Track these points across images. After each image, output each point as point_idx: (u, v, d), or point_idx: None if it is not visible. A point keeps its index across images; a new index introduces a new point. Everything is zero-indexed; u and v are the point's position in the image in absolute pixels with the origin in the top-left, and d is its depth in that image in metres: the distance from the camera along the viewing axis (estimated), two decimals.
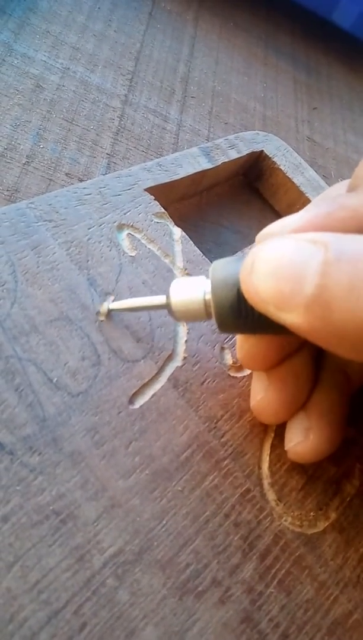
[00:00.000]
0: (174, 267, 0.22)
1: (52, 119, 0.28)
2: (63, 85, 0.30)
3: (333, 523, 0.19)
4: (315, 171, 0.30)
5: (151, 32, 0.37)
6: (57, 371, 0.18)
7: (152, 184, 0.24)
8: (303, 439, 0.18)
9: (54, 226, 0.21)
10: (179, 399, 0.19)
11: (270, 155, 0.29)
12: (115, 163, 0.28)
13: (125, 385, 0.18)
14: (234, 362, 0.21)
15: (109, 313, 0.19)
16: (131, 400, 0.18)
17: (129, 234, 0.22)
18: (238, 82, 0.38)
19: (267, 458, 0.19)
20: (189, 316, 0.17)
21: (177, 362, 0.20)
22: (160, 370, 0.19)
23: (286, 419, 0.19)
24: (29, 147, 0.26)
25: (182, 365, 0.20)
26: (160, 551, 0.16)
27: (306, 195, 0.28)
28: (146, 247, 0.22)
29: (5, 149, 0.26)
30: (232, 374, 0.20)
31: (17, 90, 0.28)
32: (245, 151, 0.28)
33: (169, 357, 0.20)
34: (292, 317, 0.13)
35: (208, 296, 0.17)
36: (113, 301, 0.20)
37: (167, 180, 0.24)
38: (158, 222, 0.23)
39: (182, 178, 0.25)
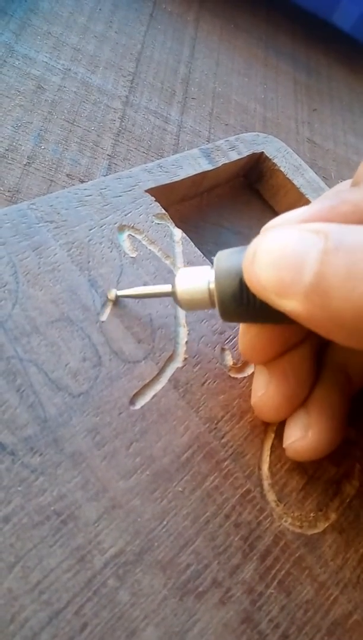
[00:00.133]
0: (175, 268, 0.22)
1: (53, 120, 0.28)
2: (64, 87, 0.30)
3: (333, 524, 0.19)
4: (315, 173, 0.30)
5: (152, 33, 0.37)
6: (58, 372, 0.18)
7: (153, 185, 0.24)
8: (302, 436, 0.18)
9: (55, 227, 0.21)
10: (180, 400, 0.19)
11: (270, 157, 0.29)
12: (116, 164, 0.28)
13: (126, 386, 0.18)
14: (234, 363, 0.21)
15: (117, 299, 0.20)
16: (132, 401, 0.18)
17: (130, 235, 0.22)
18: (238, 84, 0.38)
19: (267, 459, 0.19)
20: (194, 305, 0.18)
21: (178, 363, 0.20)
22: (161, 371, 0.19)
23: (286, 415, 0.19)
24: (30, 148, 0.26)
25: (183, 366, 0.20)
26: (161, 552, 0.16)
27: (307, 196, 0.28)
28: (146, 248, 0.22)
29: (7, 150, 0.26)
30: (232, 375, 0.21)
31: (19, 91, 0.28)
32: (246, 152, 0.28)
33: (170, 358, 0.20)
34: (292, 304, 0.14)
35: (212, 285, 0.17)
36: (118, 291, 0.20)
37: (168, 181, 0.24)
38: (158, 224, 0.23)
39: (183, 179, 0.25)
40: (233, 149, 0.28)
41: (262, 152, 0.29)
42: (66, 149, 0.27)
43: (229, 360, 0.21)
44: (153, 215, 0.23)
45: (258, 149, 0.29)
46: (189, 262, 0.23)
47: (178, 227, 0.24)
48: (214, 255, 0.17)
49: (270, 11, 0.47)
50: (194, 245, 0.23)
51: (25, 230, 0.20)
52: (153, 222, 0.23)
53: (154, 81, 0.34)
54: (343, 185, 0.19)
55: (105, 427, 0.17)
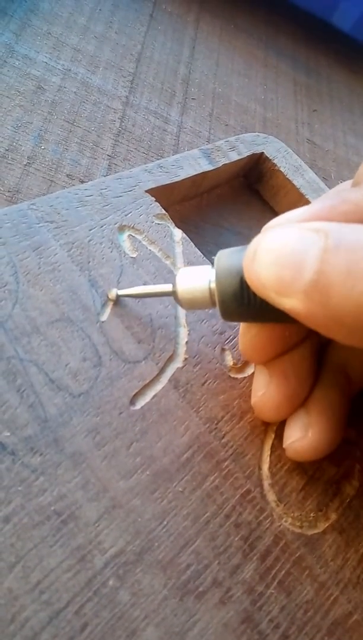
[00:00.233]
0: (175, 268, 0.22)
1: (53, 120, 0.28)
2: (64, 87, 0.30)
3: (333, 524, 0.19)
4: (315, 173, 0.30)
5: (152, 33, 0.37)
6: (58, 372, 0.18)
7: (153, 186, 0.24)
8: (302, 436, 0.18)
9: (56, 227, 0.21)
10: (180, 400, 0.19)
11: (270, 157, 0.29)
12: (116, 164, 0.28)
13: (126, 386, 0.18)
14: (234, 364, 0.21)
15: (118, 299, 0.20)
16: (132, 401, 0.18)
17: (130, 235, 0.22)
18: (238, 84, 0.39)
19: (267, 459, 0.19)
20: (195, 304, 0.18)
21: (178, 363, 0.20)
22: (161, 371, 0.19)
23: (286, 415, 0.19)
24: (30, 148, 0.26)
25: (183, 367, 0.20)
26: (161, 552, 0.16)
27: (307, 197, 0.28)
28: (147, 248, 0.22)
29: (7, 150, 0.26)
30: (233, 375, 0.21)
31: (19, 92, 0.28)
32: (246, 153, 0.28)
33: (170, 358, 0.20)
34: (292, 303, 0.14)
35: (213, 284, 0.17)
36: (119, 290, 0.20)
37: (168, 181, 0.24)
38: (158, 224, 0.23)
39: (183, 180, 0.25)
40: (233, 150, 0.28)
41: (262, 153, 0.29)
42: (66, 149, 0.27)
43: (229, 360, 0.21)
44: (153, 216, 0.23)
45: (258, 150, 0.29)
46: (189, 263, 0.23)
47: (178, 228, 0.24)
48: (214, 255, 0.17)
49: (269, 12, 0.47)
50: (194, 246, 0.23)
51: (25, 230, 0.20)
52: (153, 222, 0.23)
53: (154, 82, 0.34)
54: (343, 186, 0.19)
55: (105, 427, 0.17)
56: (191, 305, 0.18)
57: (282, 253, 0.14)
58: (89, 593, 0.15)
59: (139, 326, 0.20)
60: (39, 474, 0.16)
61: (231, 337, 0.21)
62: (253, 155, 0.28)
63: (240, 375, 0.21)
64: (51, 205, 0.21)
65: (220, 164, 0.27)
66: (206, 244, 0.26)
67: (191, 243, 0.23)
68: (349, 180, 0.18)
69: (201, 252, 0.23)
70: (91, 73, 0.32)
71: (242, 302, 0.16)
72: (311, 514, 0.19)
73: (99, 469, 0.16)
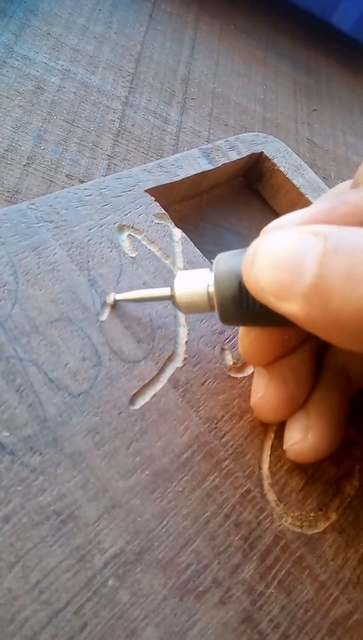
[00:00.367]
0: (175, 268, 0.22)
1: (52, 120, 0.28)
2: (64, 87, 0.30)
3: (333, 524, 0.19)
4: (315, 173, 0.30)
5: (152, 33, 0.37)
6: (58, 372, 0.18)
7: (152, 185, 0.24)
8: (302, 438, 0.18)
9: (55, 227, 0.21)
10: (180, 400, 0.19)
11: (270, 157, 0.29)
12: (115, 164, 0.28)
13: (126, 386, 0.18)
14: (234, 363, 0.21)
15: (116, 303, 0.20)
16: (132, 401, 0.18)
17: (130, 235, 0.22)
18: (238, 84, 0.39)
19: (267, 459, 0.19)
20: (193, 308, 0.18)
21: (177, 362, 0.20)
22: (161, 371, 0.19)
23: (286, 417, 0.19)
24: (30, 148, 0.26)
25: (182, 366, 0.20)
26: (161, 551, 0.16)
27: (306, 196, 0.28)
28: (146, 248, 0.22)
29: (6, 150, 0.26)
30: (232, 375, 0.20)
31: (18, 92, 0.28)
32: (245, 153, 0.28)
33: (170, 358, 0.20)
34: (291, 307, 0.14)
35: (212, 288, 0.17)
36: (118, 294, 0.20)
37: (167, 181, 0.24)
38: (158, 223, 0.23)
39: (182, 179, 0.25)
40: (233, 149, 0.28)
41: (262, 152, 0.29)
42: (66, 149, 0.27)
43: (229, 360, 0.21)
44: (153, 215, 0.23)
45: (257, 149, 0.29)
46: (188, 262, 0.23)
47: (178, 227, 0.24)
48: (213, 255, 0.17)
49: (269, 12, 0.47)
50: (193, 245, 0.23)
51: (24, 230, 0.20)
52: (152, 222, 0.23)
53: (153, 82, 0.34)
54: (343, 186, 0.19)
55: (105, 426, 0.17)
56: (190, 309, 0.18)
57: (281, 256, 0.14)
58: (89, 593, 0.15)
59: (139, 326, 0.20)
60: (38, 474, 0.16)
61: (230, 337, 0.21)
62: (253, 154, 0.28)
63: (239, 375, 0.21)
64: (50, 205, 0.21)
65: (220, 164, 0.27)
66: (206, 244, 0.26)
67: (191, 243, 0.23)
68: (349, 180, 0.18)
69: (201, 252, 0.23)
70: (91, 73, 0.32)
71: (241, 306, 0.16)
72: (312, 514, 0.19)
73: (98, 469, 0.16)
